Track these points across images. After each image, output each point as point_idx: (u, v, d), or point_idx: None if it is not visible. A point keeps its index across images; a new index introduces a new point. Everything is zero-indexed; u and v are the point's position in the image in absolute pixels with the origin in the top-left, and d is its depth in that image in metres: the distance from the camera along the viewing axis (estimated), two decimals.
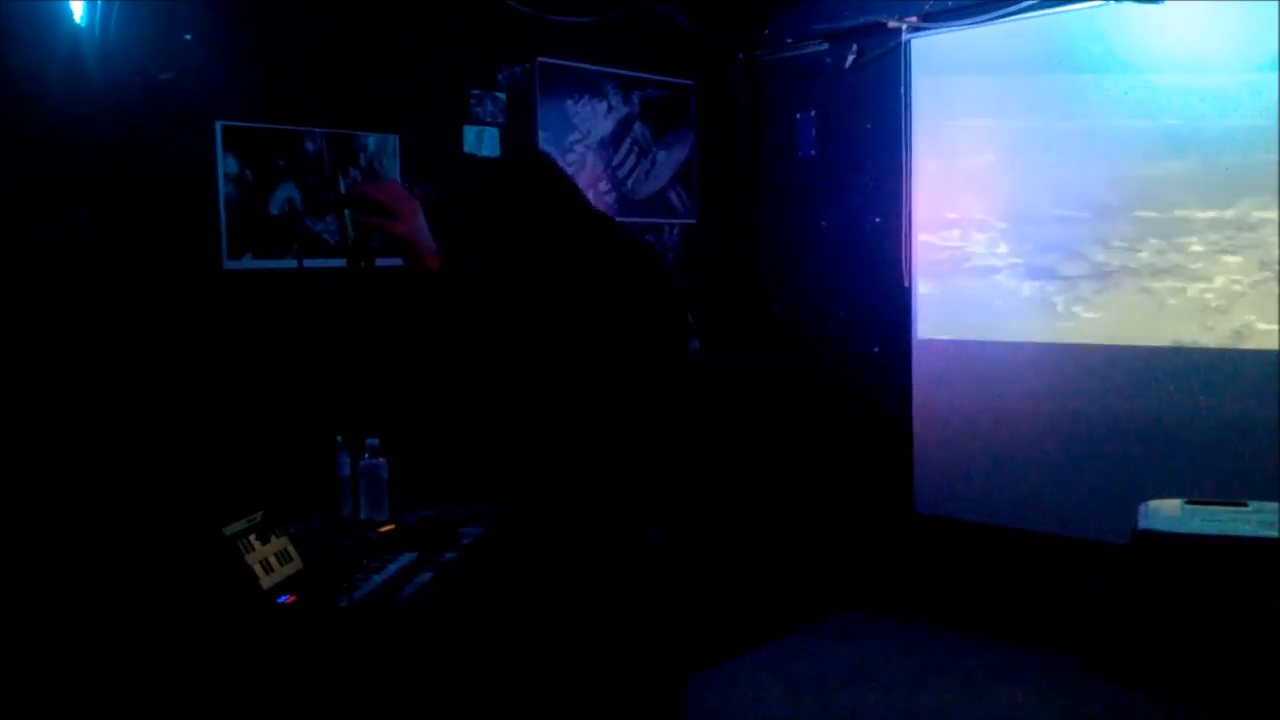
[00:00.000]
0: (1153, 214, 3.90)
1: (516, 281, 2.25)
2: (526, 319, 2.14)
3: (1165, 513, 2.53)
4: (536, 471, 2.33)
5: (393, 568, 2.70)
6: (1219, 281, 3.76)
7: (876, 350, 4.73)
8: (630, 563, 2.27)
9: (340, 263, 3.31)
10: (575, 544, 2.27)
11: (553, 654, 2.32)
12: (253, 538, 2.53)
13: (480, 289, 2.11)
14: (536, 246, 2.29)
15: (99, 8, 3.03)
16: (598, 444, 2.23)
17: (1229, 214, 3.73)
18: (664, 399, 2.29)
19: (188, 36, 3.25)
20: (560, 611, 2.30)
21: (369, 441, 3.21)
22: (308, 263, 3.46)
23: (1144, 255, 3.93)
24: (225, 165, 3.34)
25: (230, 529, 2.49)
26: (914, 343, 4.60)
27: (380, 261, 2.16)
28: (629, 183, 4.63)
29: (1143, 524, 2.45)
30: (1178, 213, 3.84)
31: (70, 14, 2.98)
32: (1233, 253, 3.73)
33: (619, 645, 2.29)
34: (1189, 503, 2.58)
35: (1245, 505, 2.54)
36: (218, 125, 3.31)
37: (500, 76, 4.10)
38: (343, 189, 2.37)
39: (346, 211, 2.09)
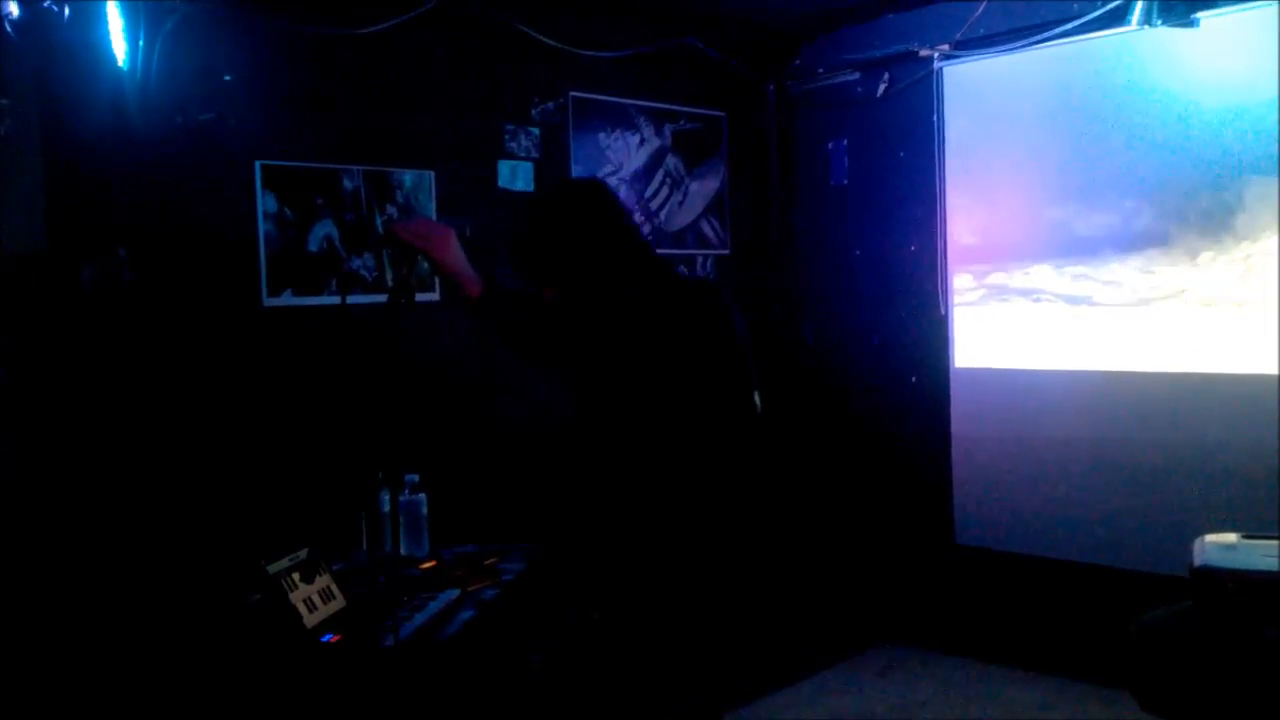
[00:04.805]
0: (1195, 239, 3.85)
1: (576, 312, 2.26)
2: (585, 353, 2.17)
3: (1222, 548, 2.48)
4: (586, 511, 2.32)
5: (435, 605, 2.68)
6: (1268, 307, 3.68)
7: (914, 380, 4.69)
8: (673, 595, 2.25)
9: (379, 298, 3.33)
10: (619, 579, 2.25)
11: (595, 690, 2.30)
12: (296, 576, 2.53)
13: (535, 311, 2.18)
14: (596, 276, 2.30)
15: (141, 50, 3.07)
16: (652, 490, 2.22)
17: (1276, 239, 3.66)
18: (724, 452, 2.28)
19: (228, 78, 3.29)
20: (603, 647, 2.29)
21: (408, 477, 3.21)
22: (349, 299, 3.47)
23: (1186, 281, 3.87)
24: (265, 203, 3.37)
25: (273, 567, 2.49)
26: (951, 371, 4.56)
27: (421, 297, 2.17)
28: (662, 214, 4.63)
29: (1199, 560, 2.40)
30: (1221, 237, 3.79)
31: (113, 57, 3.03)
32: None
33: (659, 679, 2.27)
34: (1245, 537, 2.53)
35: None
36: (257, 165, 3.35)
37: (533, 111, 4.12)
38: (379, 226, 2.40)
39: (385, 250, 2.14)
